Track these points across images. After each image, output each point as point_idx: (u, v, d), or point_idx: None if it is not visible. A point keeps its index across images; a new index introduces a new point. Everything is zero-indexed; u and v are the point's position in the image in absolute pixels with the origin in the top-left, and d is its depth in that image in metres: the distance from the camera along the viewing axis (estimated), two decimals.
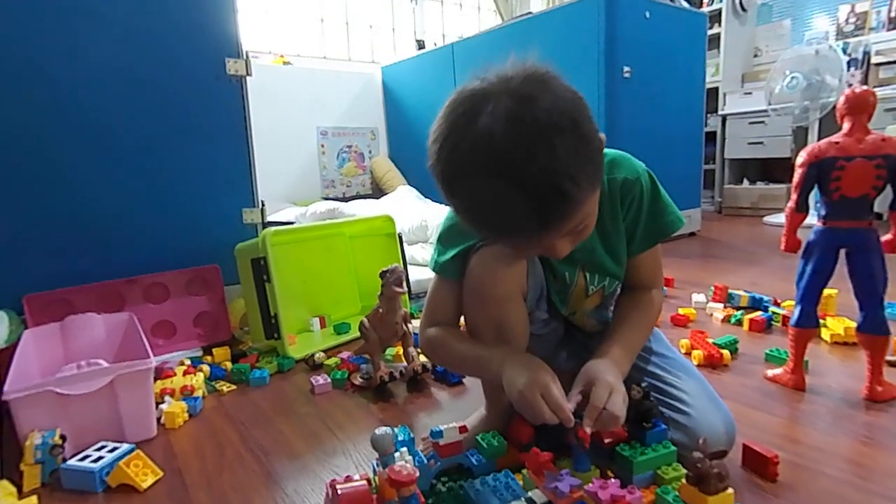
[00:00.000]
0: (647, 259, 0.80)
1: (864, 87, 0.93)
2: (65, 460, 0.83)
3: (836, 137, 0.93)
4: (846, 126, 0.93)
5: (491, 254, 0.73)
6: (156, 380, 1.08)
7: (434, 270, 0.80)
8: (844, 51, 3.08)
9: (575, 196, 0.54)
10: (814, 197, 0.95)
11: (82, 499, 0.78)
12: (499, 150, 0.52)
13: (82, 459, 0.83)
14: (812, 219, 0.99)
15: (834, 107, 2.77)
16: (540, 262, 0.77)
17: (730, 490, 0.55)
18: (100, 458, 0.83)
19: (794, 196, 0.99)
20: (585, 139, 0.55)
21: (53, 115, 1.29)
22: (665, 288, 1.73)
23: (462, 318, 0.82)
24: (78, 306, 1.26)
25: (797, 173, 0.97)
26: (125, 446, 0.86)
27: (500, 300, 0.74)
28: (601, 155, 0.60)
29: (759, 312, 1.41)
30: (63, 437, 0.85)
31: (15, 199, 1.27)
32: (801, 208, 0.99)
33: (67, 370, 0.97)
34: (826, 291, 1.02)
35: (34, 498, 0.75)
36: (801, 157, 0.96)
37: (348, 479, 0.68)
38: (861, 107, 0.91)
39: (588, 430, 0.64)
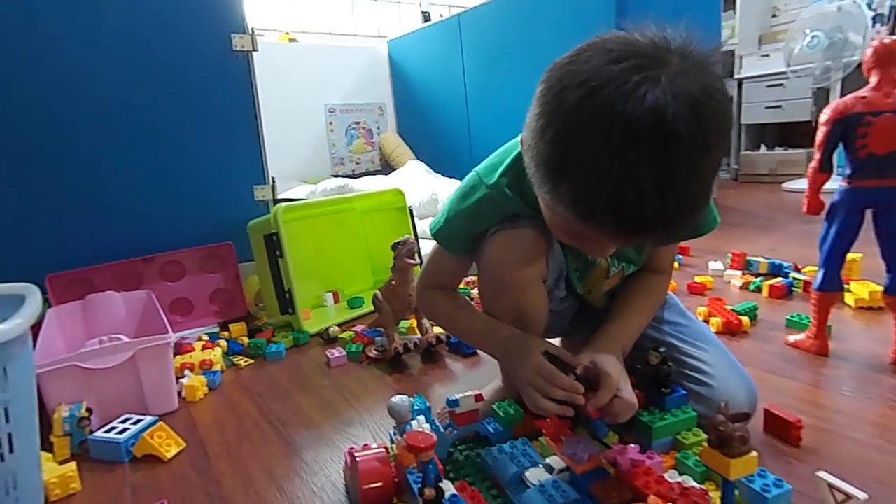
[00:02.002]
0: (667, 247, 0.79)
1: (894, 38, 0.88)
2: (92, 432, 0.85)
3: (862, 92, 0.89)
4: (873, 79, 0.89)
5: (510, 240, 0.69)
6: (175, 355, 1.10)
7: (436, 239, 0.77)
8: (869, 6, 2.94)
9: (697, 216, 0.50)
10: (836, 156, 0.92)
11: (110, 468, 0.81)
12: (669, 135, 0.44)
13: (108, 431, 0.85)
14: (831, 182, 0.95)
15: (858, 66, 2.67)
16: (560, 242, 0.72)
17: (753, 453, 0.54)
18: (125, 429, 0.85)
19: (816, 155, 0.95)
20: (722, 158, 0.50)
21: (67, 96, 1.29)
22: (680, 256, 1.71)
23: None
24: (98, 285, 1.28)
25: (821, 131, 0.93)
26: (148, 418, 0.88)
27: (520, 288, 0.71)
28: None
29: (779, 279, 1.38)
30: (89, 410, 0.87)
31: (35, 182, 1.28)
32: (825, 168, 0.95)
33: (90, 346, 0.99)
34: (850, 256, 0.99)
35: (73, 463, 0.77)
36: (825, 114, 0.92)
37: (366, 447, 0.69)
38: (890, 58, 0.87)
39: (590, 409, 0.63)
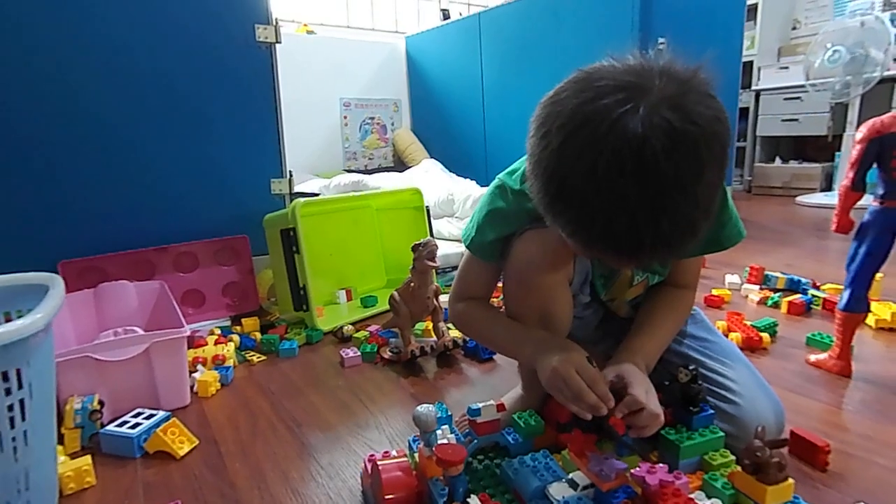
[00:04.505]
0: (692, 262, 0.78)
1: None
2: (103, 425, 0.84)
3: None
4: None
5: (537, 240, 0.69)
6: (188, 348, 1.09)
7: (468, 247, 0.78)
8: (893, 22, 2.91)
9: (699, 234, 0.50)
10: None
11: (122, 463, 0.79)
12: (650, 165, 0.45)
13: (120, 425, 0.83)
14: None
15: (878, 82, 2.63)
16: None
17: (790, 480, 0.53)
18: (137, 424, 0.83)
19: (849, 174, 0.93)
20: (723, 172, 0.51)
21: (86, 80, 1.27)
22: None
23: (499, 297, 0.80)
24: (110, 273, 1.27)
25: (855, 149, 0.91)
26: (161, 413, 0.87)
27: (546, 288, 0.71)
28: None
29: (798, 295, 1.36)
30: (101, 403, 0.86)
31: (49, 168, 1.27)
32: (858, 187, 0.93)
33: (104, 337, 0.98)
34: None
35: (88, 457, 0.76)
36: (861, 132, 0.91)
37: (387, 455, 0.67)
38: None
39: (618, 416, 0.62)
